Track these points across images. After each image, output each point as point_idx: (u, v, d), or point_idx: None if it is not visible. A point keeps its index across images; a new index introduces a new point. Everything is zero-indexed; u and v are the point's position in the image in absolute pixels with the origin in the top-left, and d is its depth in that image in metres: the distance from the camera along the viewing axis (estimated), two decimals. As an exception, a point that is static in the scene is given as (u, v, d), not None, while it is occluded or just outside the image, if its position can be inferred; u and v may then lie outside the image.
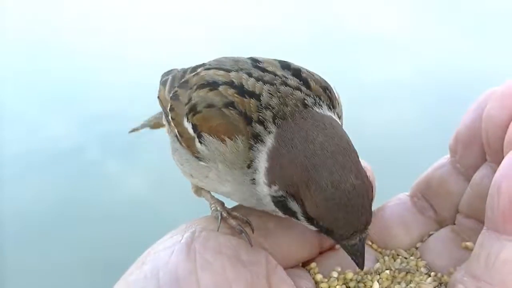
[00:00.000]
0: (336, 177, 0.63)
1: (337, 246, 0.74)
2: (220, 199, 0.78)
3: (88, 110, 3.40)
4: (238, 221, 0.73)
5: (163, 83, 0.88)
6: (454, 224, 0.73)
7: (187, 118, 0.74)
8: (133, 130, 1.03)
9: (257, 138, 0.67)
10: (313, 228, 0.66)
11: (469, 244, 0.69)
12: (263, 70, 0.73)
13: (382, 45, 3.89)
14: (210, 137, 0.70)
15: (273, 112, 0.67)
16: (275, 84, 0.70)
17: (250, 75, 0.72)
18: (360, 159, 0.75)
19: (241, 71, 0.73)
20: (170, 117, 0.80)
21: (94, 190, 2.82)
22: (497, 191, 0.59)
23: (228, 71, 0.74)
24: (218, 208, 0.75)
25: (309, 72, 0.74)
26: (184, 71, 0.84)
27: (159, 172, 2.86)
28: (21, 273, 2.40)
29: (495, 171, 0.60)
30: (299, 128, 0.66)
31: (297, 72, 0.73)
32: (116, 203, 2.73)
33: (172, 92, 0.81)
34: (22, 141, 3.16)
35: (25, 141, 3.16)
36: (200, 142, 0.71)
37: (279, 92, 0.69)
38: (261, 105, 0.68)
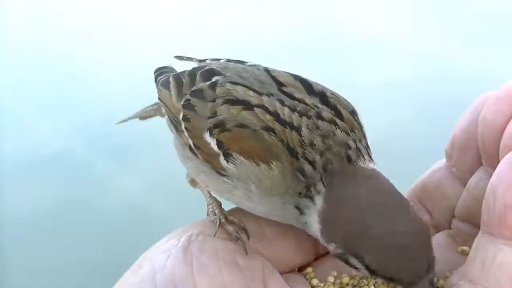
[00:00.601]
0: (389, 227, 0.63)
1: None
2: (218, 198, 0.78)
3: (80, 112, 3.40)
4: (235, 227, 0.73)
5: (163, 84, 0.84)
6: (450, 228, 0.73)
7: (210, 133, 0.72)
8: (121, 122, 1.02)
9: (307, 189, 0.67)
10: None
11: (465, 248, 0.69)
12: (291, 97, 0.72)
13: (380, 47, 3.90)
14: (242, 158, 0.69)
15: (319, 156, 0.67)
16: (311, 117, 0.69)
17: (282, 103, 0.70)
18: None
19: (272, 96, 0.71)
20: (183, 127, 0.77)
21: (87, 193, 2.81)
22: (493, 195, 0.59)
23: (259, 93, 0.72)
24: (216, 212, 0.75)
25: (333, 94, 0.73)
26: (190, 75, 0.81)
27: (153, 174, 2.86)
28: (13, 278, 2.39)
29: (491, 175, 0.60)
30: (346, 186, 0.66)
31: (323, 97, 0.72)
32: (109, 206, 2.72)
33: (183, 100, 0.77)
34: (14, 144, 3.15)
35: (17, 144, 3.15)
36: (227, 161, 0.70)
37: (318, 129, 0.68)
38: (303, 141, 0.67)
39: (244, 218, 0.73)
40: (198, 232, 0.71)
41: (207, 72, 0.80)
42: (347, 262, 0.66)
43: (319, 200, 0.66)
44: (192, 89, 0.78)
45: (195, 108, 0.75)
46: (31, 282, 2.37)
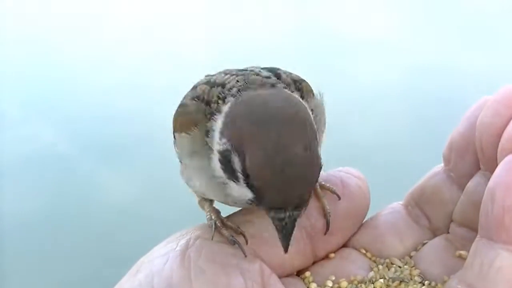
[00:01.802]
0: (284, 140, 0.61)
1: (331, 254, 0.74)
2: (217, 207, 0.78)
3: (75, 114, 3.40)
4: (231, 231, 0.73)
5: None
6: (448, 232, 0.73)
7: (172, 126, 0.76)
8: None
9: (214, 112, 0.67)
10: (249, 193, 0.64)
11: (463, 252, 0.69)
12: (243, 69, 0.74)
13: (373, 48, 3.93)
14: (177, 134, 0.72)
15: (232, 91, 0.68)
16: (246, 75, 0.71)
17: (229, 73, 0.73)
18: (352, 168, 0.75)
19: (223, 73, 0.74)
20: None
21: (78, 195, 2.82)
22: (491, 199, 0.59)
23: (213, 75, 0.75)
24: (213, 217, 0.75)
25: (287, 71, 0.74)
26: None
27: (146, 175, 2.86)
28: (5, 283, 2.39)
29: (489, 180, 0.60)
30: (259, 95, 0.67)
31: (274, 70, 0.74)
32: (104, 209, 2.72)
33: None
34: (7, 146, 3.15)
35: (11, 146, 3.15)
36: (175, 144, 0.74)
37: (247, 79, 0.69)
38: (223, 89, 0.69)
39: (242, 223, 0.74)
40: (196, 236, 0.71)
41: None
42: (228, 166, 0.64)
43: (227, 107, 0.67)
44: None
45: (179, 105, 0.78)
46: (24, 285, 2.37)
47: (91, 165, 3.00)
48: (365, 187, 0.75)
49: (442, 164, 0.74)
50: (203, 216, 0.79)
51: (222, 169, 0.66)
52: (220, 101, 0.68)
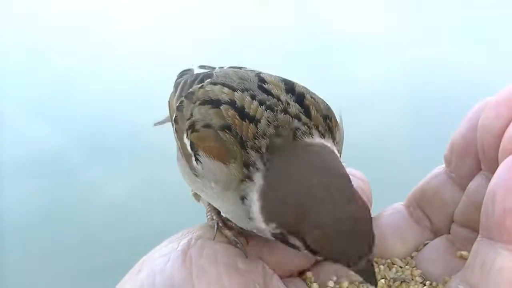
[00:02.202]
0: (331, 208, 0.62)
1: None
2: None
3: (70, 113, 3.39)
4: (233, 232, 0.73)
5: (176, 85, 0.86)
6: (449, 233, 0.74)
7: (187, 134, 0.74)
8: (158, 123, 1.00)
9: (248, 168, 0.66)
10: (318, 258, 0.66)
11: (464, 253, 0.70)
12: (268, 93, 0.72)
13: (369, 47, 3.92)
14: (205, 156, 0.70)
15: (266, 143, 0.67)
16: (276, 110, 0.69)
17: (253, 97, 0.71)
18: (355, 169, 0.75)
19: (246, 92, 0.72)
20: (174, 128, 0.80)
21: (76, 196, 2.81)
22: (492, 199, 0.59)
23: (234, 89, 0.73)
24: (214, 217, 0.75)
25: (313, 98, 0.73)
26: (195, 78, 0.83)
27: (144, 177, 2.86)
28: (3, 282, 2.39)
29: (490, 181, 0.61)
30: (286, 164, 0.66)
31: (300, 98, 0.72)
32: (98, 209, 2.72)
33: (179, 102, 0.79)
34: (4, 146, 3.15)
35: (8, 145, 3.15)
36: (197, 160, 0.71)
37: (276, 121, 0.68)
38: (257, 132, 0.67)
39: None
40: (198, 236, 0.71)
41: (205, 76, 0.82)
42: (287, 242, 0.65)
43: (258, 178, 0.66)
44: (188, 91, 0.79)
45: (183, 110, 0.77)
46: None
47: (89, 165, 3.00)
48: (367, 188, 0.76)
49: (443, 165, 0.74)
50: (201, 216, 0.79)
51: (276, 239, 0.67)
52: (256, 150, 0.66)
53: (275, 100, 0.70)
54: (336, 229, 0.62)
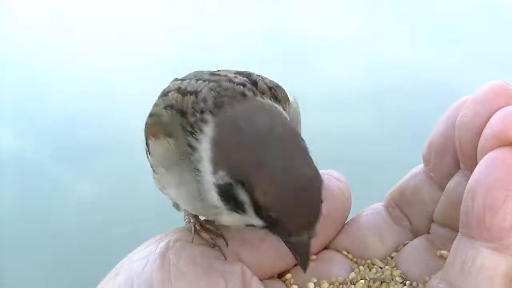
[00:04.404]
0: (289, 163, 0.60)
1: (313, 256, 0.74)
2: None
3: (39, 114, 3.37)
4: (211, 234, 0.73)
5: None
6: (429, 233, 0.73)
7: (145, 133, 0.74)
8: None
9: (193, 129, 0.65)
10: (260, 223, 0.63)
11: (444, 252, 0.70)
12: (216, 74, 0.73)
13: (334, 49, 3.97)
14: (150, 141, 0.70)
15: (208, 103, 0.66)
16: (220, 81, 0.69)
17: (200, 79, 0.71)
18: (333, 170, 0.75)
19: (194, 78, 0.73)
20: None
21: (45, 198, 2.78)
22: (472, 197, 0.59)
23: (183, 79, 0.74)
24: (191, 220, 0.75)
25: (261, 76, 0.73)
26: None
27: (113, 180, 2.84)
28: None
29: (469, 179, 0.61)
30: (240, 113, 0.65)
31: (248, 75, 0.72)
32: (67, 212, 2.70)
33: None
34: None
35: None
36: (149, 152, 0.72)
37: (219, 87, 0.68)
38: (197, 99, 0.67)
39: (222, 225, 0.73)
40: (176, 239, 0.71)
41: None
42: (231, 199, 0.63)
43: (208, 127, 0.64)
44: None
45: (152, 114, 0.76)
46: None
47: (56, 167, 2.98)
48: (346, 189, 0.75)
49: (422, 165, 0.74)
50: (175, 218, 0.78)
51: (223, 202, 0.64)
52: (197, 114, 0.66)
53: (222, 77, 0.71)
54: (290, 185, 0.59)
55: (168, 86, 0.75)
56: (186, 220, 0.76)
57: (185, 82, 0.72)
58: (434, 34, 4.09)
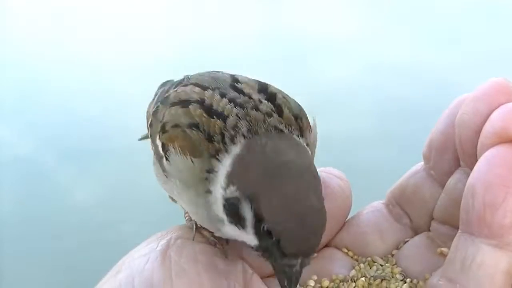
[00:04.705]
0: (301, 191, 0.62)
1: (314, 254, 0.74)
2: None
3: (41, 115, 3.36)
4: (212, 232, 0.73)
5: (154, 95, 0.87)
6: (429, 230, 0.74)
7: (159, 136, 0.74)
8: (141, 138, 0.97)
9: (219, 151, 0.66)
10: (254, 240, 0.64)
11: (444, 249, 0.69)
12: (239, 91, 0.72)
13: (333, 49, 3.97)
14: (173, 152, 0.70)
15: (240, 131, 0.67)
16: (246, 108, 0.69)
17: (223, 95, 0.71)
18: (334, 168, 0.75)
19: (217, 90, 0.72)
20: (149, 133, 0.80)
21: (45, 199, 2.79)
22: (472, 194, 0.59)
23: (204, 88, 0.73)
24: (192, 218, 0.75)
25: (285, 98, 0.73)
26: (172, 84, 0.83)
27: (113, 180, 2.84)
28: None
29: (469, 176, 0.61)
30: (269, 142, 0.66)
31: (272, 97, 0.72)
32: (67, 213, 2.70)
33: (155, 107, 0.80)
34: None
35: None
36: (166, 159, 0.71)
37: (248, 116, 0.68)
38: (225, 127, 0.67)
39: None
40: (177, 236, 0.71)
41: (181, 81, 0.81)
42: (233, 211, 0.64)
43: (236, 148, 0.66)
44: (165, 95, 0.79)
45: (157, 114, 0.77)
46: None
47: (56, 168, 2.98)
48: (346, 187, 0.75)
49: (422, 162, 0.74)
50: (174, 216, 0.78)
51: (226, 214, 0.66)
52: (226, 140, 0.66)
53: (246, 98, 0.71)
54: (297, 210, 0.61)
55: (185, 90, 0.74)
56: (187, 217, 0.77)
57: (208, 94, 0.72)
58: (434, 34, 4.10)
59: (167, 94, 0.78)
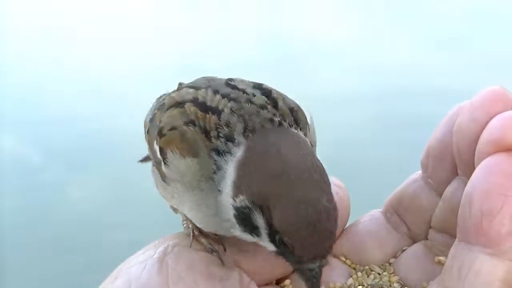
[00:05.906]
0: (311, 194, 0.61)
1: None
2: None
3: (40, 118, 3.36)
4: (209, 240, 0.73)
5: (151, 108, 0.86)
6: (427, 239, 0.73)
7: (156, 141, 0.74)
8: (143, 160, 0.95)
9: (219, 151, 0.66)
10: (271, 247, 0.64)
11: (441, 258, 0.69)
12: (233, 87, 0.72)
13: (332, 51, 3.98)
14: (172, 156, 0.70)
15: (236, 127, 0.67)
16: (240, 101, 0.69)
17: (216, 92, 0.71)
18: (332, 176, 0.75)
19: (210, 88, 0.73)
20: (146, 140, 0.80)
21: (44, 201, 2.79)
22: (469, 202, 0.59)
23: (198, 88, 0.73)
24: (190, 225, 0.75)
25: (280, 94, 0.73)
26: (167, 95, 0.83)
27: (113, 183, 2.85)
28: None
29: (466, 185, 0.61)
30: (271, 141, 0.65)
31: (267, 92, 0.72)
32: (67, 215, 2.70)
33: (152, 114, 0.80)
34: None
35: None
36: (165, 163, 0.71)
37: (242, 109, 0.68)
38: (219, 123, 0.67)
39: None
40: (174, 243, 0.71)
41: (179, 85, 0.82)
42: (246, 221, 0.64)
43: (239, 150, 0.66)
44: (161, 103, 0.79)
45: (154, 120, 0.77)
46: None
47: (56, 169, 2.98)
48: (345, 195, 0.75)
49: (420, 171, 0.74)
50: (174, 223, 0.79)
51: (238, 223, 0.65)
52: (222, 139, 0.66)
53: (240, 92, 0.71)
54: (309, 215, 0.60)
55: (179, 93, 0.75)
56: (185, 225, 0.77)
57: (201, 93, 0.72)
58: (433, 37, 4.10)
59: (162, 102, 0.78)
